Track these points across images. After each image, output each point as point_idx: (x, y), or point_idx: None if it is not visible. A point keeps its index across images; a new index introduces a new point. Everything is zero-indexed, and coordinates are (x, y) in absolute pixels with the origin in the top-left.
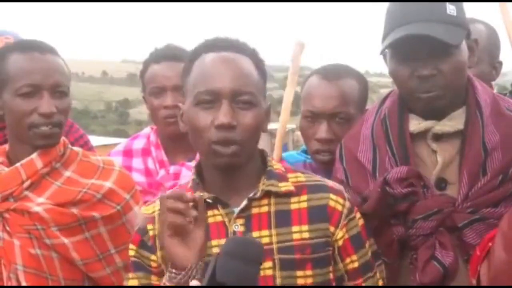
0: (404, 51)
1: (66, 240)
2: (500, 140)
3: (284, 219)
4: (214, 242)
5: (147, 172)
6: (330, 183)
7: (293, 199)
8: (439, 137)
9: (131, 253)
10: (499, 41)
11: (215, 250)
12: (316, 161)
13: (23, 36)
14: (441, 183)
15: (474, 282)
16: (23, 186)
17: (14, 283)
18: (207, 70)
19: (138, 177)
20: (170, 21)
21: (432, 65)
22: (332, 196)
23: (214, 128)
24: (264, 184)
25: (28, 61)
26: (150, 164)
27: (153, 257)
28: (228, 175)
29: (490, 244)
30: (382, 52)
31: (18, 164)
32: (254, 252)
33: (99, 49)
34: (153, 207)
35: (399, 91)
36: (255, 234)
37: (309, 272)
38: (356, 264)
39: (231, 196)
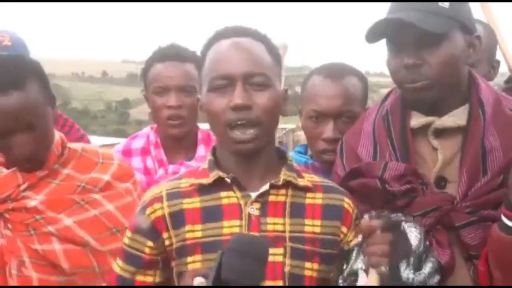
0: (392, 41)
1: (68, 221)
2: (501, 140)
3: (298, 211)
4: (225, 223)
5: (146, 171)
6: (341, 188)
7: (309, 195)
8: (440, 134)
9: (125, 240)
10: (496, 41)
11: (226, 230)
12: (322, 161)
13: (22, 36)
14: (441, 181)
15: None
16: (20, 189)
17: (26, 274)
18: (219, 56)
19: (137, 176)
20: (170, 21)
21: (417, 55)
22: (346, 199)
23: (230, 110)
24: (285, 174)
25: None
26: (149, 163)
27: (149, 243)
28: (245, 161)
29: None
30: (368, 39)
31: (16, 167)
32: (260, 250)
33: (99, 49)
34: (160, 187)
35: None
36: (269, 220)
37: (316, 266)
38: None
39: (247, 181)
